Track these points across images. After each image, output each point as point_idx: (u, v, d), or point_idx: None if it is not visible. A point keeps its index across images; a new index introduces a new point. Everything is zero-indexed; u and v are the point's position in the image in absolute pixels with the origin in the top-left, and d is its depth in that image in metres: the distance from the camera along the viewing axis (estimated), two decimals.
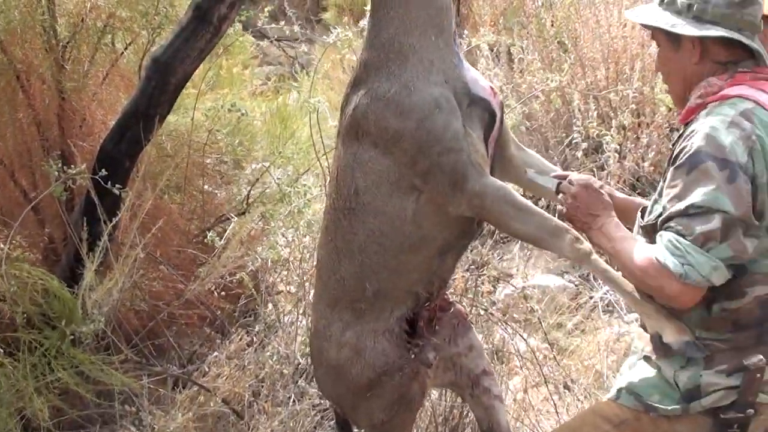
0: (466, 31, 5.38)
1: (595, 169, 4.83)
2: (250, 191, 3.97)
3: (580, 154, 4.77)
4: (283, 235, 3.67)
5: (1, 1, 3.22)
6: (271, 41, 8.89)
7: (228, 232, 3.53)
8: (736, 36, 1.88)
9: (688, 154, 1.81)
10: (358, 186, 2.27)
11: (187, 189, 3.84)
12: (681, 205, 1.79)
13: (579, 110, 4.88)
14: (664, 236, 1.83)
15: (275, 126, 4.57)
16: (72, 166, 3.14)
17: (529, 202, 2.18)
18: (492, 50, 5.64)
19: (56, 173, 3.01)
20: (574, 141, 4.73)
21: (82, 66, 3.43)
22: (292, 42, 8.89)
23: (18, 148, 3.46)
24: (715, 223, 1.75)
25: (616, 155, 4.65)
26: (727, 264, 1.78)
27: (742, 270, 1.84)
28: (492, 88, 2.32)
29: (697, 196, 1.77)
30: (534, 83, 4.97)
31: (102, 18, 3.40)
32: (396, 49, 2.23)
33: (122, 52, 3.60)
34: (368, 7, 2.33)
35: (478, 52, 5.54)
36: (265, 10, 4.92)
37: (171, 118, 3.57)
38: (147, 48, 3.43)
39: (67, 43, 3.38)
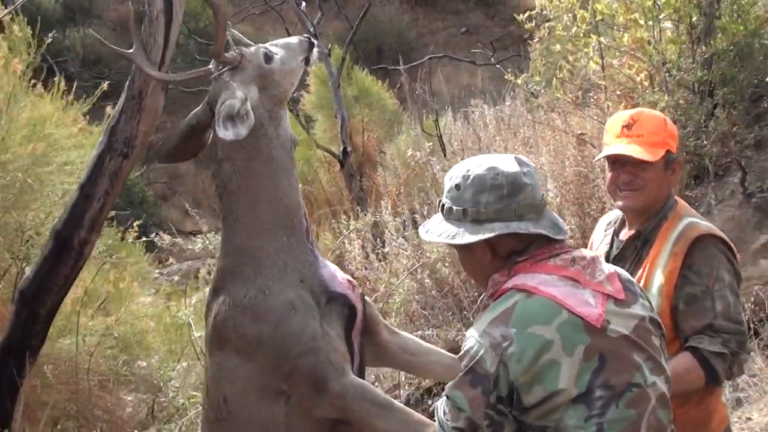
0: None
1: None
2: (153, 407, 3.79)
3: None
4: None
5: None
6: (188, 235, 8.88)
7: None
8: (513, 228, 1.83)
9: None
10: (227, 395, 2.20)
11: (84, 413, 3.62)
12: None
13: None
14: (440, 403, 1.87)
15: (169, 336, 4.42)
16: None
17: (391, 399, 2.14)
18: (395, 220, 5.72)
19: None
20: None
21: None
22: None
23: None
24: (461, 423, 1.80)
25: None
26: None
27: None
28: (350, 281, 2.32)
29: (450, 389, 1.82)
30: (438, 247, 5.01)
31: None
32: (249, 254, 2.22)
33: None
34: None
35: (383, 225, 5.63)
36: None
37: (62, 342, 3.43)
38: (17, 280, 3.33)
39: None
